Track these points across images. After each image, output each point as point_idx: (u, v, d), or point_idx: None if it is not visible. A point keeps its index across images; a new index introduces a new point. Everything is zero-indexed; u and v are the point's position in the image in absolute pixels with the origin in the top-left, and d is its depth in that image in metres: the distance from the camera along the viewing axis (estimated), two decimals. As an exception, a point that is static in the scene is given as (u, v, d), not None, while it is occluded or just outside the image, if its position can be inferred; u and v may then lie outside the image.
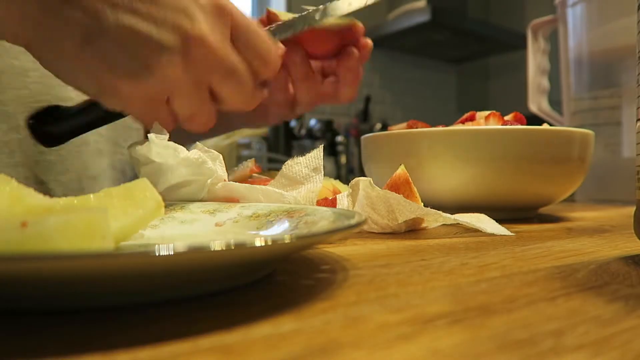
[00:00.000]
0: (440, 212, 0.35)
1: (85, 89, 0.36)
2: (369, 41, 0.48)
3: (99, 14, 0.32)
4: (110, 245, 0.16)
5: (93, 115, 0.38)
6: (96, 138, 0.57)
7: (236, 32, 0.37)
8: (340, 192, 0.37)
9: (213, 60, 0.35)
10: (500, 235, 0.34)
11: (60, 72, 0.35)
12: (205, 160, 0.34)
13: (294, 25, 0.42)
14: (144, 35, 0.33)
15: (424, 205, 0.34)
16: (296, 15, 0.43)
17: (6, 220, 0.15)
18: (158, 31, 0.33)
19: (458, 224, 0.36)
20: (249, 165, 0.39)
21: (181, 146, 0.34)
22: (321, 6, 0.42)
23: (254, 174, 0.39)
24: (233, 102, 0.38)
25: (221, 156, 0.35)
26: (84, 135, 0.55)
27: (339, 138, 2.09)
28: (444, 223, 0.37)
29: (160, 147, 0.33)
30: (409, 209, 0.33)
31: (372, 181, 0.33)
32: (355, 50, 0.47)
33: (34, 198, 0.19)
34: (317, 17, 0.42)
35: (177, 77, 0.34)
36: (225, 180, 0.35)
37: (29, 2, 0.32)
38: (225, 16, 0.36)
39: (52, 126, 0.38)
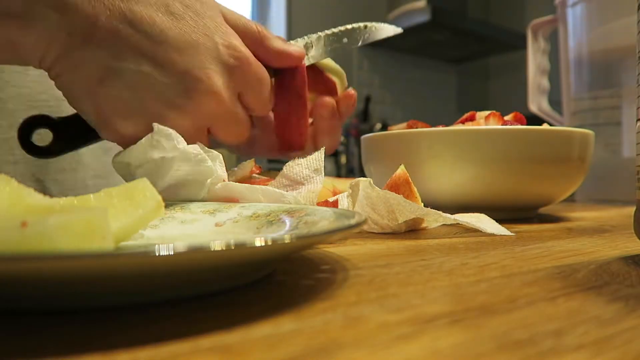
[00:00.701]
0: (440, 212, 0.35)
1: (87, 118, 0.36)
2: (352, 93, 0.47)
3: (120, 57, 0.33)
4: (110, 245, 0.16)
5: (83, 130, 0.38)
6: None
7: (246, 85, 0.38)
8: (340, 192, 0.37)
9: (219, 112, 0.36)
10: (500, 235, 0.34)
11: (70, 96, 0.35)
12: (204, 158, 0.34)
13: (338, 39, 0.43)
14: (160, 85, 0.34)
15: (424, 205, 0.35)
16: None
17: (6, 220, 0.15)
18: (175, 83, 0.34)
19: (458, 224, 0.36)
20: (249, 165, 0.39)
21: (181, 137, 0.34)
22: (364, 25, 0.44)
23: (254, 175, 0.39)
24: (228, 141, 0.39)
25: (221, 156, 0.35)
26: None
27: (339, 138, 2.09)
28: (444, 223, 0.37)
29: (160, 135, 0.33)
30: (409, 209, 0.33)
31: (372, 181, 0.33)
32: (330, 100, 0.46)
33: (33, 198, 0.19)
34: (360, 36, 0.44)
35: (178, 126, 0.35)
36: (225, 181, 0.35)
37: (57, 35, 0.32)
38: (241, 69, 0.37)
39: (39, 137, 0.38)
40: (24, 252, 0.13)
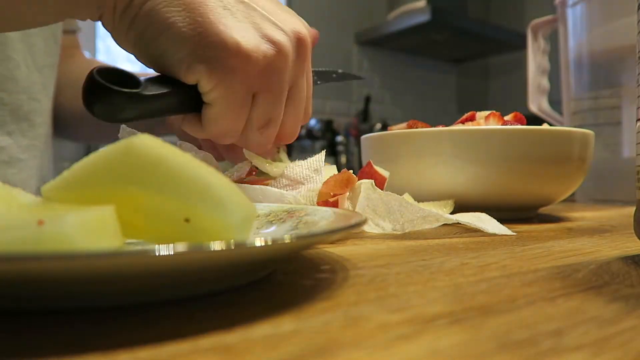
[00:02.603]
0: (441, 213, 0.35)
1: (178, 50, 0.33)
2: None
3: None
4: (120, 242, 0.16)
5: (166, 101, 0.33)
6: None
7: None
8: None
9: (300, 71, 0.37)
10: (501, 235, 0.34)
11: (159, 20, 0.32)
12: (199, 157, 0.34)
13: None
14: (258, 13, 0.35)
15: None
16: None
17: (22, 219, 0.15)
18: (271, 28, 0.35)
19: (458, 223, 0.36)
20: (246, 166, 0.39)
21: None
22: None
23: (251, 176, 0.39)
24: (291, 120, 0.39)
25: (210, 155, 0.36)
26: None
27: (339, 138, 2.10)
28: (444, 223, 0.37)
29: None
30: (410, 210, 0.33)
31: (373, 183, 0.33)
32: None
33: (25, 198, 0.18)
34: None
35: (277, 69, 0.35)
36: None
37: None
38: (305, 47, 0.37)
39: (112, 101, 0.30)
40: (22, 253, 0.13)
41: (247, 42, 0.33)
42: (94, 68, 0.30)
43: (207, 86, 0.33)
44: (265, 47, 0.34)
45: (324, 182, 0.35)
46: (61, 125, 0.66)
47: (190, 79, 0.33)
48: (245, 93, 0.34)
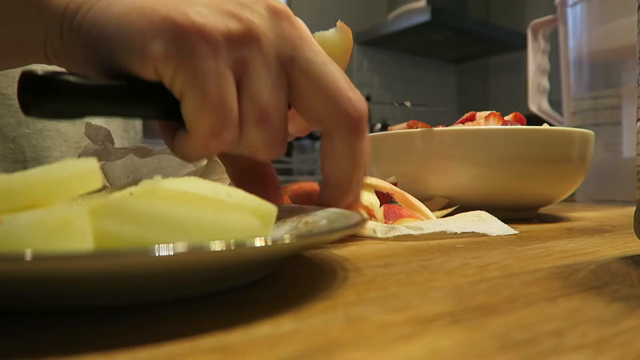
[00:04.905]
0: (444, 229, 0.33)
1: (126, 41, 0.27)
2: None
3: None
4: (90, 245, 0.15)
5: (115, 95, 0.26)
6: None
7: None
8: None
9: (290, 45, 0.29)
10: (501, 235, 0.34)
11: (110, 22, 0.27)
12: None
13: None
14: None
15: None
16: None
17: None
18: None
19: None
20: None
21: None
22: None
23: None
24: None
25: None
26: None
27: (339, 138, 2.09)
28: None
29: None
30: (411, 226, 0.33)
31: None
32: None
33: None
34: None
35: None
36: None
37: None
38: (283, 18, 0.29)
39: (50, 95, 0.24)
40: (21, 253, 0.13)
41: (200, 16, 0.27)
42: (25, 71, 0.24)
43: (167, 72, 0.27)
44: (230, 23, 0.28)
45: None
46: None
47: (147, 71, 0.27)
48: (219, 76, 0.28)
